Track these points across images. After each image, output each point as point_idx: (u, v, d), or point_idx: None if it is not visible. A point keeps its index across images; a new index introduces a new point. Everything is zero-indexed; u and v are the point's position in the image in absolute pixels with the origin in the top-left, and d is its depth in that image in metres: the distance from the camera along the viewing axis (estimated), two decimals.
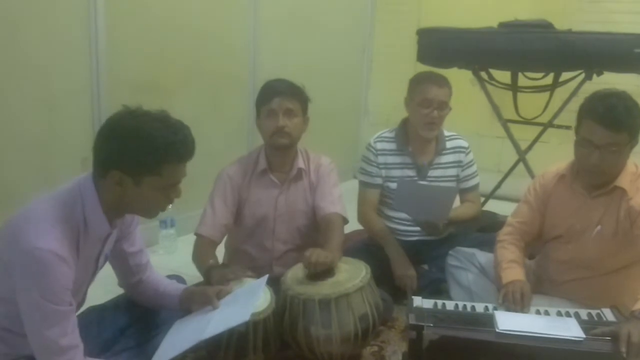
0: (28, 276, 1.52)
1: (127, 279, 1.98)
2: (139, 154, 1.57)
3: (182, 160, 1.63)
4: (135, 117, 1.60)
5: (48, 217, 1.56)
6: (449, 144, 2.83)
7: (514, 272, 2.14)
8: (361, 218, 2.83)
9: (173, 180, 1.64)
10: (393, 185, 2.76)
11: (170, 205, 1.71)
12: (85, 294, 1.83)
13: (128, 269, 1.95)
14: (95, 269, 1.79)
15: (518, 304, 1.98)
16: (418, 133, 2.73)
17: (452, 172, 2.84)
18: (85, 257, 1.68)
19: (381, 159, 2.78)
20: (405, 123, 2.82)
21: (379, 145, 2.80)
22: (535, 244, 2.36)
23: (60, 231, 1.55)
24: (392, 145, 2.80)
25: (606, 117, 1.95)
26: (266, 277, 1.99)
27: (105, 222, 1.65)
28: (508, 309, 1.97)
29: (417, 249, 2.79)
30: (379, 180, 2.79)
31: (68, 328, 1.58)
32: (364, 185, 2.82)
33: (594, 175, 2.07)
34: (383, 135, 2.85)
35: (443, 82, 2.70)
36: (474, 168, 2.89)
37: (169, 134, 1.59)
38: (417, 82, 2.72)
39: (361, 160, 2.86)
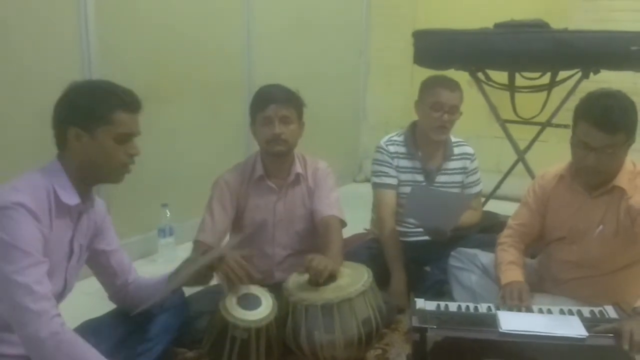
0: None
1: (113, 283, 1.98)
2: (88, 104, 1.68)
3: (128, 107, 1.73)
4: (79, 81, 1.76)
5: (17, 185, 1.63)
6: (456, 150, 2.84)
7: (512, 274, 2.15)
8: (379, 224, 2.79)
9: (125, 129, 1.72)
10: (402, 189, 2.76)
11: (132, 161, 1.77)
12: (66, 283, 1.79)
13: (111, 270, 1.96)
14: (71, 253, 1.76)
15: (516, 300, 1.99)
16: (427, 137, 2.75)
17: (458, 178, 2.85)
18: (59, 232, 1.69)
19: (395, 162, 2.79)
20: (413, 127, 2.83)
21: (392, 148, 2.81)
22: (535, 245, 2.35)
23: (30, 194, 1.61)
24: (403, 149, 2.81)
25: (602, 119, 1.93)
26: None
27: (73, 191, 1.71)
28: (509, 309, 1.96)
29: (420, 250, 2.79)
30: (396, 182, 2.79)
31: (43, 278, 1.58)
32: (381, 187, 2.79)
33: (590, 176, 2.07)
34: (393, 138, 2.85)
35: (455, 87, 2.72)
36: (477, 175, 2.90)
37: (112, 84, 1.75)
38: (429, 86, 2.73)
39: (374, 163, 2.85)
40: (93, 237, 1.89)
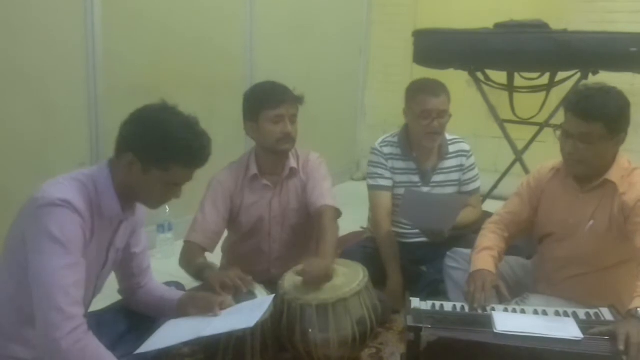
0: (45, 218, 1.53)
1: (126, 281, 1.99)
2: (154, 145, 1.64)
3: (191, 165, 1.69)
4: (165, 111, 1.70)
5: (64, 183, 1.61)
6: (451, 148, 2.83)
7: (483, 261, 2.14)
8: (375, 226, 2.79)
9: (178, 180, 1.70)
10: (398, 190, 2.76)
11: (168, 206, 1.74)
12: (95, 289, 1.81)
13: (129, 271, 1.96)
14: (106, 261, 1.77)
15: (479, 291, 1.98)
16: (426, 146, 2.73)
17: (455, 176, 2.84)
18: (98, 239, 1.68)
19: (390, 164, 2.78)
20: (407, 128, 2.81)
21: (386, 150, 2.80)
22: (520, 235, 2.34)
23: (78, 194, 1.60)
24: (397, 150, 2.80)
25: (578, 106, 1.99)
26: (272, 296, 1.98)
27: (116, 202, 1.69)
28: (473, 308, 1.97)
29: (416, 251, 2.79)
30: (391, 183, 2.78)
31: (80, 281, 1.56)
32: (376, 189, 2.78)
33: (571, 165, 2.09)
34: (387, 139, 2.84)
35: (440, 91, 2.67)
36: (475, 172, 2.88)
37: (189, 137, 1.67)
38: (414, 93, 2.69)
39: (369, 165, 2.85)
40: (129, 239, 1.90)
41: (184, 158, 1.66)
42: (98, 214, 1.66)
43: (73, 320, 1.51)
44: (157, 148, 1.64)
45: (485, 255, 2.17)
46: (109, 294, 2.05)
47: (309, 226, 2.46)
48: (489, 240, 2.24)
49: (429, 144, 2.71)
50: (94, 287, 1.79)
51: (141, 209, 1.90)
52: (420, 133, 2.68)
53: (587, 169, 2.08)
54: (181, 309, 1.94)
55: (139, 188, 1.69)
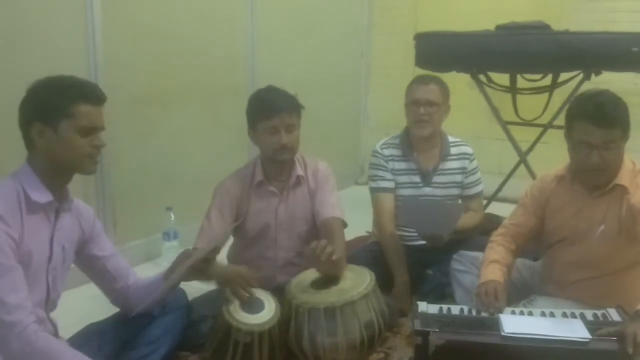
0: None
1: (113, 288, 1.99)
2: (47, 98, 1.68)
3: (89, 99, 1.71)
4: (42, 78, 1.74)
5: None
6: (453, 150, 2.84)
7: (491, 273, 2.14)
8: (378, 228, 2.80)
9: (87, 122, 1.70)
10: (401, 191, 2.77)
11: (98, 157, 1.77)
12: (48, 287, 1.77)
13: (109, 275, 1.97)
14: (51, 254, 1.75)
15: (491, 306, 1.98)
16: (420, 137, 2.76)
17: (458, 178, 2.84)
18: (33, 231, 1.68)
19: (390, 165, 2.80)
20: (408, 129, 2.84)
21: (386, 152, 2.82)
22: (526, 244, 2.35)
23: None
24: (398, 152, 2.82)
25: (597, 115, 1.97)
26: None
27: (44, 189, 1.70)
28: (482, 311, 1.97)
29: (422, 254, 2.78)
30: (393, 185, 2.79)
31: (16, 284, 1.58)
32: (378, 191, 2.80)
33: (596, 175, 2.07)
34: (388, 141, 2.86)
35: (430, 81, 2.75)
36: (477, 175, 2.89)
37: (73, 78, 1.74)
38: (408, 86, 2.79)
39: (370, 168, 2.87)
40: (83, 243, 1.90)
41: (80, 93, 1.69)
42: (28, 208, 1.67)
43: (14, 327, 1.54)
44: (52, 99, 1.67)
45: (494, 267, 2.18)
46: (111, 305, 2.05)
47: (315, 234, 2.47)
48: (497, 253, 2.25)
49: (417, 131, 2.74)
50: (46, 284, 1.76)
51: (88, 212, 1.92)
52: (410, 122, 2.75)
53: (608, 176, 2.07)
54: (168, 276, 1.96)
55: (60, 153, 1.69)
